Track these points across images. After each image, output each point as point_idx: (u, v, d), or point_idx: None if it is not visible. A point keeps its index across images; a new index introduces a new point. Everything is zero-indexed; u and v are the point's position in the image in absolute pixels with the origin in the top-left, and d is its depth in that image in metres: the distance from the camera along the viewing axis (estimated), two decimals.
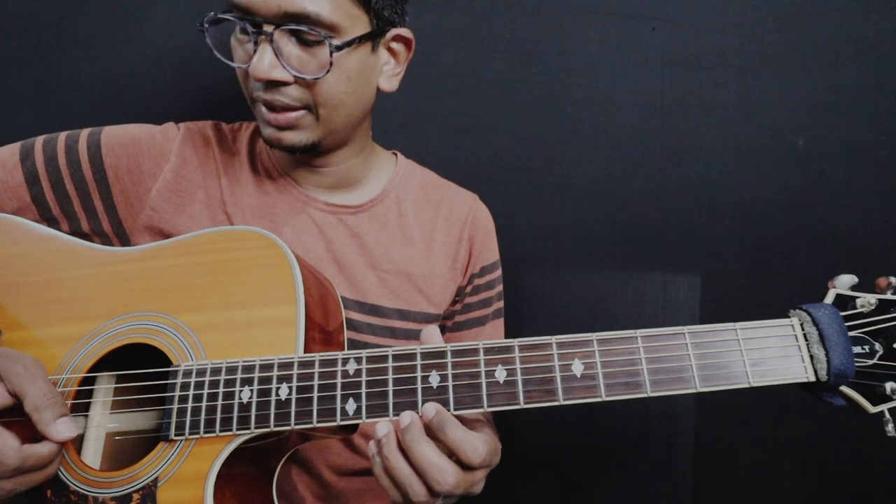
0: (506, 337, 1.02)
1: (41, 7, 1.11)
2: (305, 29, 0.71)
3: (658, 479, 1.17)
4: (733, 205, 1.15)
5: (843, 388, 0.60)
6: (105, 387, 0.72)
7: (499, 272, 1.00)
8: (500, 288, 1.00)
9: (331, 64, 0.73)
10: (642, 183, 1.16)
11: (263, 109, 0.77)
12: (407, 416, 0.60)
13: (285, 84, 0.74)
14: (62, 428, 0.60)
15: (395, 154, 0.98)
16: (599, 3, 1.15)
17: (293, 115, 0.77)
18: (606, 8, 1.15)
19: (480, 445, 0.60)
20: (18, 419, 0.61)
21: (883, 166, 1.12)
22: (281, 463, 0.73)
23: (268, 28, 0.71)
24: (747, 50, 1.15)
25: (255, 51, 0.72)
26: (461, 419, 0.61)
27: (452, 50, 1.14)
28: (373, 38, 0.78)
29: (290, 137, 0.79)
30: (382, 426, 0.61)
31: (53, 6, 1.11)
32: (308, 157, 0.85)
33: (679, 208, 1.15)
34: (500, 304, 1.01)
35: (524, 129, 1.16)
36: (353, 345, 0.83)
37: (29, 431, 0.60)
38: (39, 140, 0.84)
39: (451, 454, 0.60)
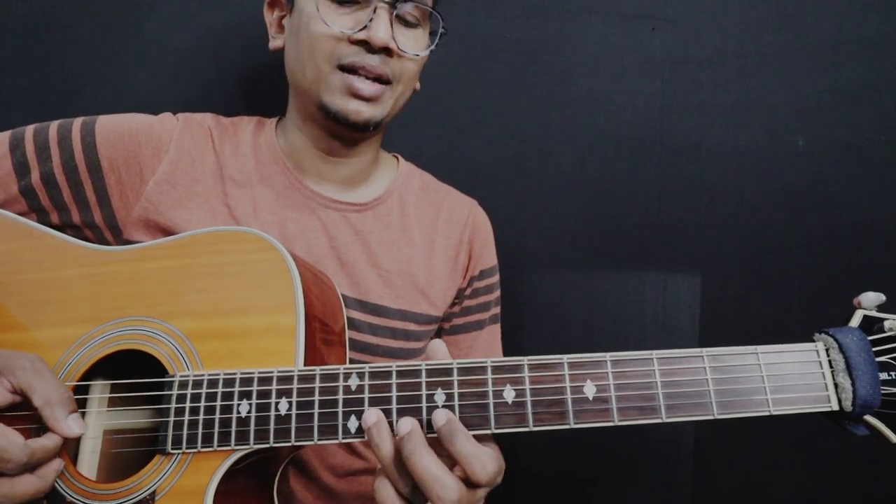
0: (502, 340, 1.01)
1: (41, 7, 1.11)
2: (429, 6, 0.81)
3: (658, 479, 1.16)
4: (733, 205, 1.15)
5: (867, 418, 0.57)
6: (99, 396, 0.70)
7: (497, 277, 1.00)
8: (497, 293, 1.00)
9: (434, 43, 0.83)
10: (642, 183, 1.15)
11: (353, 79, 0.78)
12: (407, 423, 0.57)
13: (388, 55, 0.79)
14: (73, 424, 0.60)
15: (397, 157, 0.98)
16: (599, 3, 1.15)
17: (382, 87, 0.80)
18: (606, 8, 1.15)
19: (489, 462, 0.56)
20: (14, 415, 0.60)
21: (883, 166, 1.12)
22: (280, 469, 0.71)
23: None
24: (747, 50, 1.14)
25: (371, 18, 0.76)
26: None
27: (452, 50, 1.14)
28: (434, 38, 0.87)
29: (370, 111, 0.80)
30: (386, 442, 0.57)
31: (53, 6, 1.11)
32: (336, 144, 0.85)
33: (679, 208, 1.15)
34: (498, 309, 1.01)
35: (524, 129, 1.15)
36: (353, 344, 0.82)
37: (25, 430, 0.59)
38: (30, 129, 0.81)
39: (454, 467, 0.56)
